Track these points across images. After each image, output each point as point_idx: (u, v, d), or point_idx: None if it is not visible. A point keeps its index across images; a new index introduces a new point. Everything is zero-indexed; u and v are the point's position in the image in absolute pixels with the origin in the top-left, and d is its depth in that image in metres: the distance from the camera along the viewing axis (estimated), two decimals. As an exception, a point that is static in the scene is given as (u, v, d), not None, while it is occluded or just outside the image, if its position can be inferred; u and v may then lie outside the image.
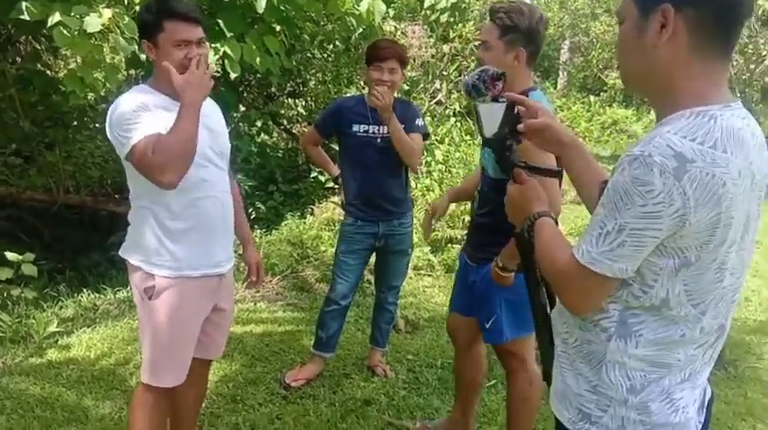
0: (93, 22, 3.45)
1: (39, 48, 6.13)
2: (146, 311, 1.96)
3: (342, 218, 3.20)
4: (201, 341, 2.11)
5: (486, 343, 2.37)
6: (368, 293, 4.16)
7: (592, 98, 14.56)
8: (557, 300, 1.26)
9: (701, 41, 1.04)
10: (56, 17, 3.45)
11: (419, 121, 2.93)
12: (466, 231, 5.05)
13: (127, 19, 3.59)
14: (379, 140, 2.83)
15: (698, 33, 1.03)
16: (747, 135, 1.04)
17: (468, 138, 7.35)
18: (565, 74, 17.73)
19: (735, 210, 1.02)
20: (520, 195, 1.34)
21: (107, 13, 3.52)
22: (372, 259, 3.19)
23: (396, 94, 2.89)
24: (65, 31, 3.49)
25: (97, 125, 6.12)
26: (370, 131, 2.83)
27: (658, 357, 1.11)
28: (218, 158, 2.07)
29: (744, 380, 3.45)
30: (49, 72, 5.82)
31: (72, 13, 3.51)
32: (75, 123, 6.16)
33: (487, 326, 2.25)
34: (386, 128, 2.77)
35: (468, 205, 3.71)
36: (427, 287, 4.66)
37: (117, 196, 6.33)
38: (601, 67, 16.08)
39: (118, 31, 3.65)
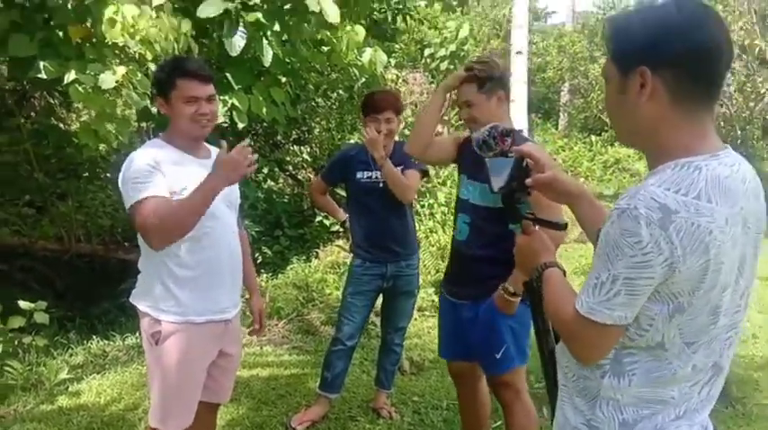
0: (108, 79, 3.63)
1: (52, 102, 6.38)
2: (153, 356, 2.03)
3: (348, 260, 3.29)
4: (208, 386, 2.17)
5: (495, 373, 2.39)
6: (372, 335, 4.21)
7: (593, 138, 14.72)
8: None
9: (680, 97, 1.08)
10: (71, 75, 3.64)
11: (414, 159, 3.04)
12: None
13: (140, 75, 3.78)
14: (381, 185, 2.95)
15: (677, 90, 1.08)
16: (736, 182, 1.08)
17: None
18: (565, 115, 18.01)
19: (724, 255, 1.06)
20: (528, 246, 1.39)
21: (121, 70, 3.71)
22: (379, 301, 3.26)
23: (396, 138, 3.05)
24: (80, 88, 3.67)
25: (108, 175, 6.29)
26: (374, 177, 2.96)
27: (651, 394, 1.14)
28: (229, 208, 2.18)
29: (752, 417, 3.44)
30: (62, 126, 6.03)
31: (87, 71, 3.69)
32: (87, 174, 6.33)
33: (498, 356, 2.29)
34: None
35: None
36: (431, 328, 4.69)
37: (127, 244, 6.46)
38: (600, 107, 16.31)
39: (131, 86, 3.84)
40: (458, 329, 2.45)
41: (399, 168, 2.95)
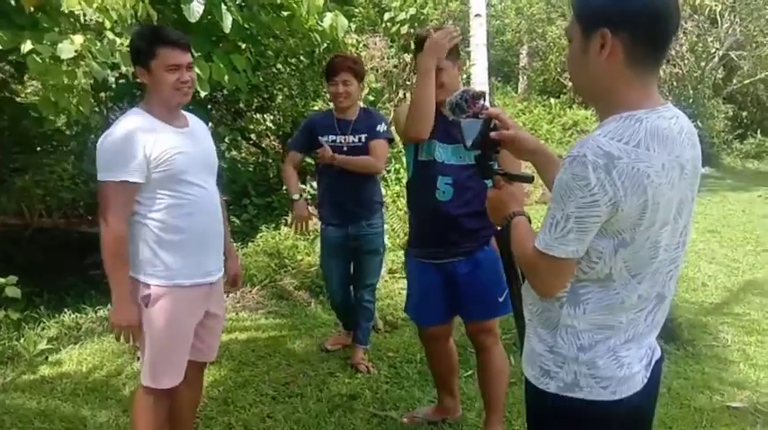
0: (67, 49, 3.56)
1: (2, 76, 6.16)
2: (144, 319, 2.08)
3: (317, 226, 3.42)
4: (196, 346, 2.24)
5: (487, 318, 2.55)
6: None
7: (552, 101, 14.92)
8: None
9: (635, 57, 1.22)
10: (28, 45, 3.56)
11: (381, 127, 3.16)
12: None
13: (99, 44, 3.71)
14: (345, 149, 3.08)
15: (632, 51, 1.22)
16: (673, 133, 1.22)
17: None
18: (524, 78, 18.18)
19: (661, 196, 1.20)
20: (498, 198, 1.53)
21: (78, 39, 3.63)
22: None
23: (361, 104, 3.14)
24: (38, 59, 3.59)
25: (68, 148, 6.17)
26: (338, 141, 3.08)
27: (602, 320, 1.30)
28: (210, 174, 2.23)
29: (701, 357, 3.70)
30: (16, 98, 5.85)
31: (44, 41, 3.61)
32: (48, 147, 6.18)
33: (501, 299, 2.44)
34: (352, 137, 3.06)
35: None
36: (402, 289, 4.83)
37: (90, 217, 6.38)
38: (559, 70, 16.53)
39: (90, 56, 3.77)
40: (439, 291, 2.56)
41: (363, 136, 3.05)
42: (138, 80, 2.15)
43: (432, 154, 2.46)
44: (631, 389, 1.32)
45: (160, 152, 1.99)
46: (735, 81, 17.29)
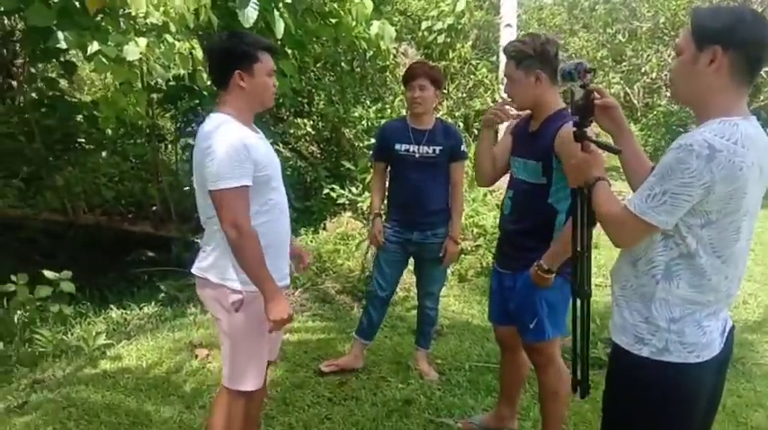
0: (132, 51, 3.65)
1: (53, 76, 6.30)
2: (230, 323, 2.12)
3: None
4: (265, 345, 2.29)
5: (530, 342, 2.53)
6: (390, 303, 4.36)
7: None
8: (617, 258, 1.69)
9: (737, 73, 1.47)
10: (95, 46, 3.65)
11: (463, 147, 3.23)
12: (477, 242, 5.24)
13: (163, 47, 3.79)
14: (417, 156, 3.11)
15: (735, 68, 1.46)
16: (758, 139, 1.47)
17: (470, 153, 7.61)
18: (558, 84, 18.11)
19: (748, 188, 1.44)
20: (586, 161, 1.74)
21: (143, 41, 3.72)
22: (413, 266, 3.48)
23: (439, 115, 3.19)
24: (103, 59, 3.68)
25: (119, 147, 6.27)
26: (411, 150, 3.11)
27: (693, 297, 1.54)
28: (281, 179, 2.27)
29: (752, 376, 3.68)
30: (68, 98, 5.98)
31: (109, 43, 3.70)
32: (89, 146, 6.31)
33: (531, 326, 2.43)
34: (426, 147, 3.10)
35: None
36: (443, 296, 4.81)
37: (131, 216, 6.49)
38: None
39: (152, 58, 3.86)
40: (502, 296, 2.59)
41: (437, 149, 3.10)
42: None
43: (512, 167, 2.53)
44: (711, 353, 1.56)
45: (260, 157, 2.04)
46: (762, 97, 17.15)
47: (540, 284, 2.34)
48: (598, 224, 1.70)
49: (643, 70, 14.80)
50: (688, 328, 1.54)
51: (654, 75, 14.50)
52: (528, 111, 2.48)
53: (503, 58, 11.14)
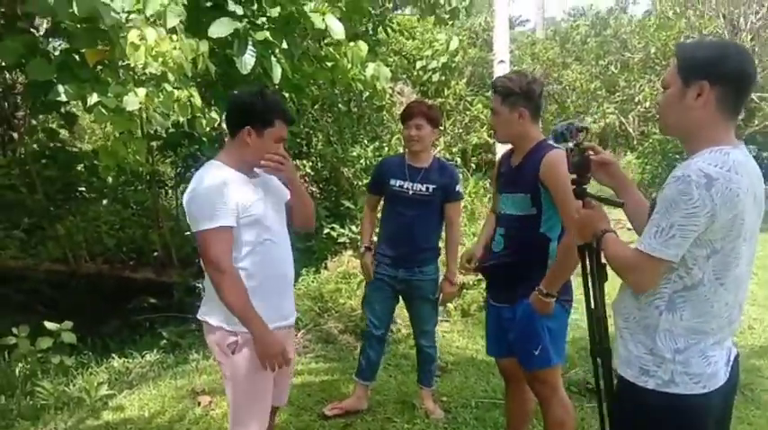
0: (132, 101, 3.72)
1: (53, 127, 6.39)
2: (229, 366, 2.13)
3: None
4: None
5: (534, 369, 2.51)
6: (393, 341, 4.34)
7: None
8: (619, 291, 1.71)
9: (724, 105, 1.51)
10: (94, 97, 3.72)
11: (459, 188, 3.26)
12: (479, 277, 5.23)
13: (161, 96, 3.86)
14: (410, 193, 3.13)
15: (722, 101, 1.51)
16: (749, 166, 1.52)
17: (468, 187, 7.67)
18: (540, 121, 18.32)
19: (746, 213, 1.49)
20: (589, 217, 1.78)
21: (142, 91, 3.79)
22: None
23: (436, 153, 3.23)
24: (103, 110, 3.75)
25: (119, 195, 6.32)
26: (405, 187, 3.13)
27: (697, 326, 1.55)
28: (282, 220, 2.29)
29: (761, 402, 3.63)
30: (68, 148, 6.06)
31: (108, 94, 3.78)
32: (94, 195, 6.36)
33: (536, 353, 2.42)
34: (420, 185, 3.11)
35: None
36: (446, 332, 4.84)
37: (132, 263, 6.50)
38: (576, 112, 16.70)
39: (151, 107, 3.93)
40: (500, 329, 2.59)
41: (432, 187, 3.12)
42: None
43: (500, 205, 2.56)
44: (717, 383, 1.57)
45: (245, 200, 2.08)
46: (756, 122, 17.31)
47: (542, 310, 2.36)
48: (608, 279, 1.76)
49: (636, 100, 15.00)
50: (693, 359, 1.54)
51: (647, 104, 14.67)
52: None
53: (497, 93, 11.34)
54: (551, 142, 1.98)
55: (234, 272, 2.04)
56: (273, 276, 2.20)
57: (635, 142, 16.79)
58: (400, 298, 3.37)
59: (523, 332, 2.46)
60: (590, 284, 1.87)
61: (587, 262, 1.86)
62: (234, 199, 2.06)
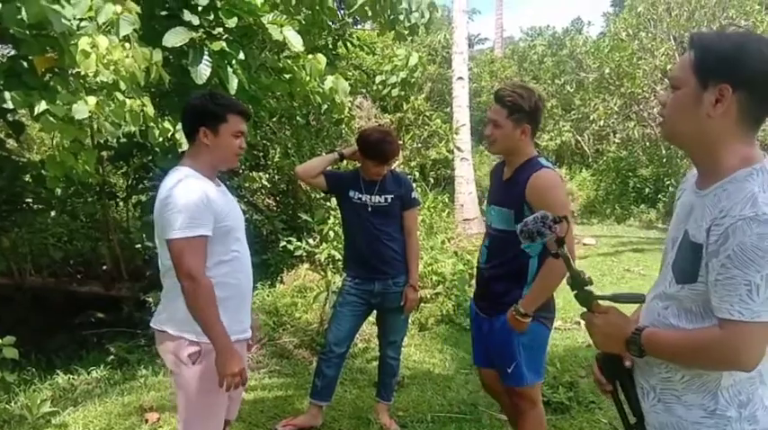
0: (81, 110, 3.61)
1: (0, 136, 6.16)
2: (186, 377, 2.07)
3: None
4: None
5: (507, 386, 2.53)
6: (350, 356, 4.30)
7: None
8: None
9: (746, 115, 1.23)
10: (42, 105, 3.61)
11: (414, 194, 3.29)
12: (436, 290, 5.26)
13: (112, 105, 3.77)
14: (369, 208, 3.14)
15: (746, 110, 1.22)
16: None
17: (426, 202, 7.72)
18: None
19: None
20: (608, 323, 1.42)
21: (92, 100, 3.70)
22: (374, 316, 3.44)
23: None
24: (51, 119, 3.64)
25: (67, 207, 6.12)
26: (363, 199, 3.14)
27: (756, 372, 1.26)
28: (244, 231, 2.28)
29: None
30: (15, 158, 5.84)
31: (57, 102, 3.67)
32: (35, 206, 6.14)
33: (509, 370, 2.44)
34: (378, 197, 3.14)
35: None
36: (403, 346, 4.81)
37: (79, 276, 6.30)
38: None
39: (102, 116, 3.83)
40: (480, 338, 2.62)
41: (389, 197, 3.15)
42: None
43: (487, 217, 2.59)
44: None
45: (220, 209, 2.06)
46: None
47: (517, 328, 2.37)
48: None
49: (591, 118, 15.42)
50: (759, 411, 1.27)
51: (602, 122, 15.10)
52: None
53: (456, 109, 11.51)
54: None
55: (208, 282, 2.01)
56: (239, 288, 2.18)
57: (590, 159, 17.25)
58: (371, 313, 3.37)
59: (499, 347, 2.48)
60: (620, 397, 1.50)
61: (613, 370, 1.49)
62: (212, 207, 2.04)
